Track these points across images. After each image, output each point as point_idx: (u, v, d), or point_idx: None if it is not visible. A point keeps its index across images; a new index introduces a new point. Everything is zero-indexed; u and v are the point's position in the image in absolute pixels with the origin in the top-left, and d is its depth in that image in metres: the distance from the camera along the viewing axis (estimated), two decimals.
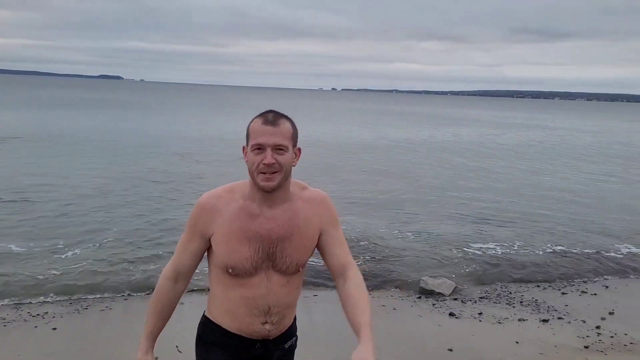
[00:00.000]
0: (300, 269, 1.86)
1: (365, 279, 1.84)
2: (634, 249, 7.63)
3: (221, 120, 30.95)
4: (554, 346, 4.32)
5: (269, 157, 1.68)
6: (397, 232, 7.94)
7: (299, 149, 1.80)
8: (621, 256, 7.26)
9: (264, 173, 1.70)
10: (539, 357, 4.11)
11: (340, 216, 1.91)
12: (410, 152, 18.91)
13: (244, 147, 1.78)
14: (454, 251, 7.06)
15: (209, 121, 30.06)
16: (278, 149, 1.69)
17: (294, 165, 1.76)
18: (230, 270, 1.78)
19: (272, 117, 1.71)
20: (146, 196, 9.62)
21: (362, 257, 6.52)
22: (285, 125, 1.72)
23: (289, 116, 1.77)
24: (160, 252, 6.45)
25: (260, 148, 1.69)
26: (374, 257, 6.60)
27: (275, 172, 1.70)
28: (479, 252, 7.07)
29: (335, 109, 54.98)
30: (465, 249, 7.20)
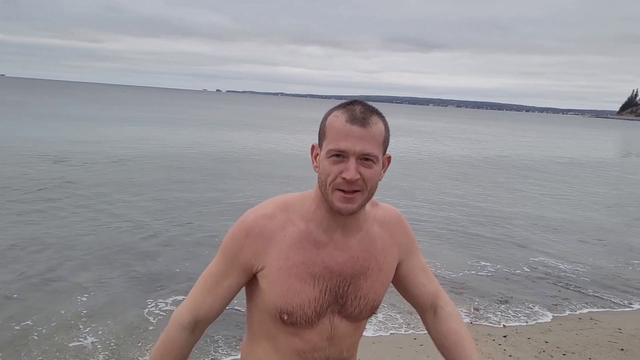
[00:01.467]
0: (374, 313, 1.45)
1: None
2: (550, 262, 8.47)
3: (95, 121, 28.96)
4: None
5: (352, 170, 1.24)
6: None
7: (389, 158, 1.36)
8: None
9: (342, 190, 1.27)
10: (419, 347, 4.42)
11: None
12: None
13: (313, 147, 1.34)
14: None
15: (80, 122, 27.97)
16: (365, 159, 1.25)
17: (380, 180, 1.33)
18: (285, 317, 1.35)
19: (360, 113, 1.26)
20: (8, 209, 8.35)
21: None
22: (377, 127, 1.27)
23: (379, 111, 1.31)
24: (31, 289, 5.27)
25: (340, 155, 1.25)
26: None
27: (357, 192, 1.27)
28: None
29: (222, 112, 54.17)
30: None
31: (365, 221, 1.39)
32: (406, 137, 32.94)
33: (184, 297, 1.61)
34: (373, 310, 1.42)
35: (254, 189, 11.43)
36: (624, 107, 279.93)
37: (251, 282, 1.39)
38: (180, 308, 1.41)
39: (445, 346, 1.48)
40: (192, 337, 1.41)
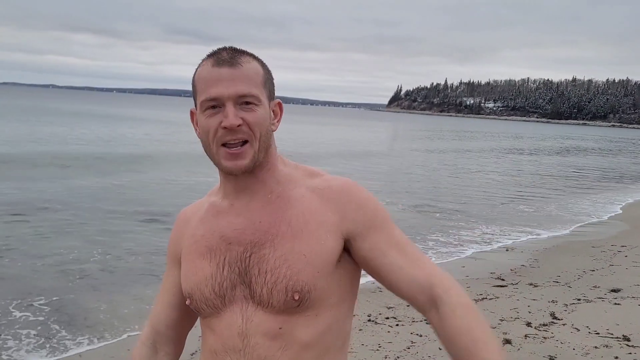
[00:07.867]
0: (296, 299, 1.05)
1: None
2: None
3: None
4: None
5: (231, 115, 1.04)
6: None
7: (280, 103, 1.16)
8: None
9: (226, 145, 1.06)
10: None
11: None
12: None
13: (192, 112, 1.13)
14: None
15: None
16: (244, 102, 1.06)
17: (274, 130, 1.13)
18: (188, 302, 1.15)
19: (227, 54, 1.08)
20: None
21: None
22: (251, 65, 1.09)
23: (253, 54, 1.13)
24: None
25: (215, 105, 1.06)
26: None
27: (245, 142, 1.06)
28: None
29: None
30: None
31: (280, 183, 1.14)
32: None
33: None
34: (291, 296, 1.05)
35: None
36: (392, 101, 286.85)
37: None
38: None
39: (453, 353, 1.04)
40: (155, 356, 1.24)
